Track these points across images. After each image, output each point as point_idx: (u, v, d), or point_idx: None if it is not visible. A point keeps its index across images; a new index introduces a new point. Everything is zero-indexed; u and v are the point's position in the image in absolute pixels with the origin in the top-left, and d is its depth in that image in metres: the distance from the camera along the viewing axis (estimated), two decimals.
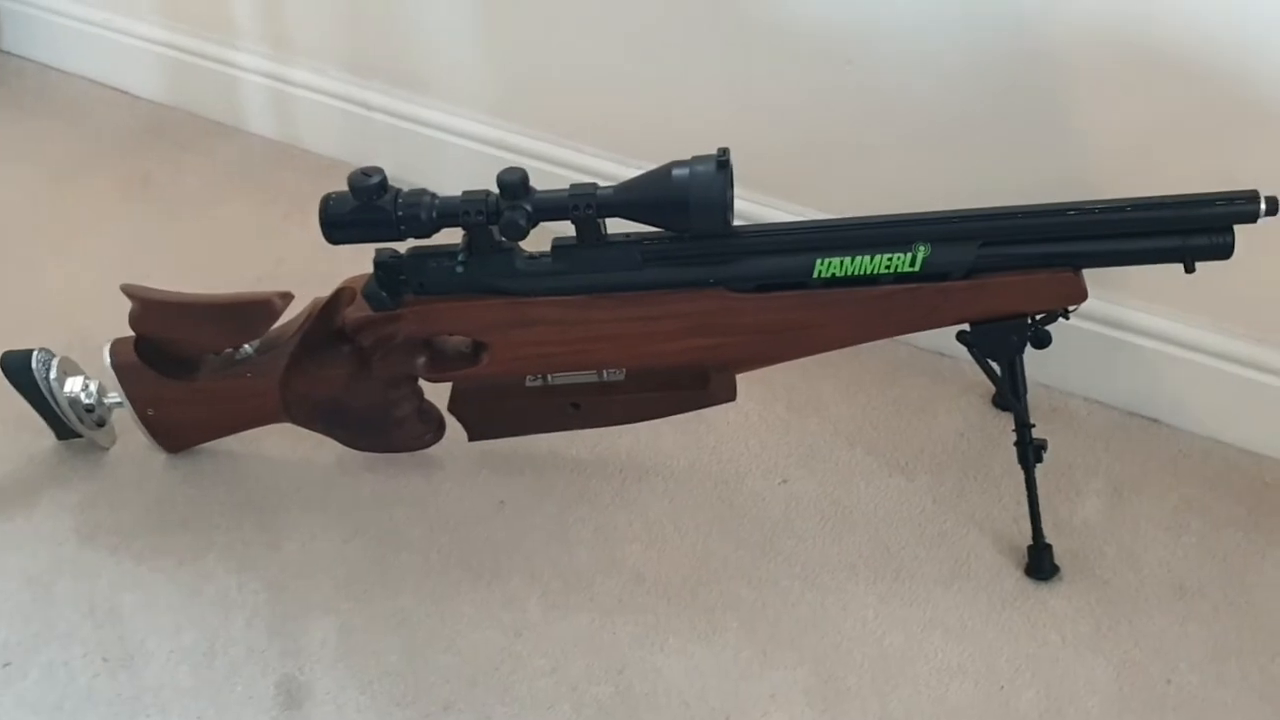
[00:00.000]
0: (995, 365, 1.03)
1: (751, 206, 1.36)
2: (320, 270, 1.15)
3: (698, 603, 1.07)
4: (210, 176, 1.72)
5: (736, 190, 0.98)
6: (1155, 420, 1.24)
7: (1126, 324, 1.23)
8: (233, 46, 1.74)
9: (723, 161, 0.94)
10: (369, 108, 1.63)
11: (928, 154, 1.25)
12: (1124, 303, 1.22)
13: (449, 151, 1.57)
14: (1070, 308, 1.01)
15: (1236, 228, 0.94)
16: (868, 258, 0.99)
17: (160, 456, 1.22)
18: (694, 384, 1.08)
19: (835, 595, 1.07)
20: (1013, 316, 1.00)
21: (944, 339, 1.28)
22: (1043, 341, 1.04)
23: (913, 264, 0.98)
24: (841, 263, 0.99)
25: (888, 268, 0.99)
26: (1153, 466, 1.18)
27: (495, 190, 0.99)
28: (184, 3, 1.77)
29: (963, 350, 1.01)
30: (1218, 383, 1.20)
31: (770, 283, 1.01)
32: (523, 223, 0.98)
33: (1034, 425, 1.04)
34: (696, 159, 0.96)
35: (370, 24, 1.59)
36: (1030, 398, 1.05)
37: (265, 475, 1.21)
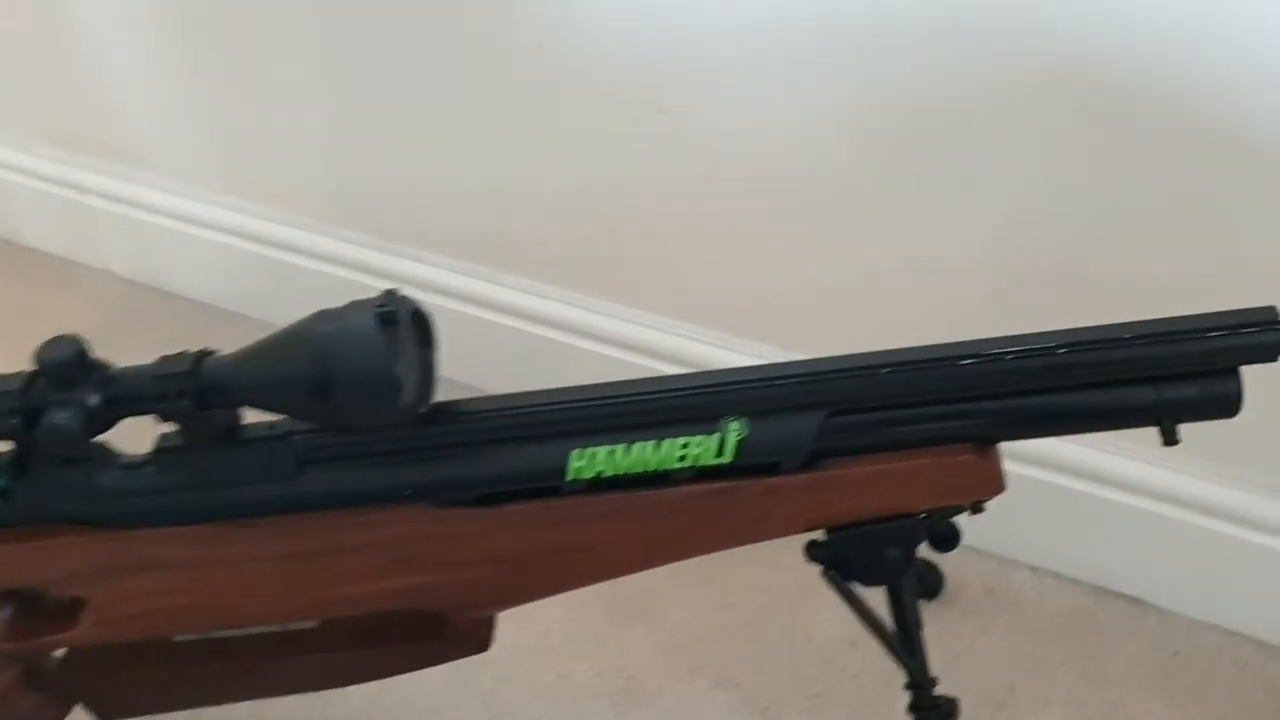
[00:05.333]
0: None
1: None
2: None
3: None
4: None
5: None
6: (1135, 600, 0.88)
7: (1093, 471, 0.86)
8: None
9: (387, 315, 0.58)
10: (83, 190, 1.25)
11: (797, 230, 0.90)
12: (1091, 441, 0.85)
13: (187, 245, 1.19)
14: (979, 501, 0.65)
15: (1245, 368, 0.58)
16: (650, 445, 0.62)
17: None
18: (420, 633, 0.70)
19: None
20: (888, 518, 0.65)
21: None
22: (948, 540, 0.69)
23: (720, 452, 0.62)
24: (611, 454, 0.62)
25: (683, 459, 0.63)
26: (1136, 671, 0.81)
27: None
28: None
29: None
30: (1222, 549, 0.83)
31: (501, 490, 0.65)
32: (76, 426, 0.61)
33: (937, 681, 0.69)
34: (353, 307, 0.60)
35: (65, 84, 1.20)
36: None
37: None
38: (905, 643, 0.67)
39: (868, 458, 0.62)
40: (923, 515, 0.64)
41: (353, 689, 0.81)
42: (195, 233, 1.16)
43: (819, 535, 0.65)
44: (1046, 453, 0.86)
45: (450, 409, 0.63)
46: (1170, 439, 0.59)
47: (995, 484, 0.62)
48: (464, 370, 1.11)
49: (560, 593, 0.69)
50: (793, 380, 0.61)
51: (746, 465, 0.61)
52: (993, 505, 0.86)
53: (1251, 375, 0.57)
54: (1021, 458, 0.86)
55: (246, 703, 0.80)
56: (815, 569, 0.69)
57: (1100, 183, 0.78)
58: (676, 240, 0.94)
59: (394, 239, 1.06)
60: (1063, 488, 0.86)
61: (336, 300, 1.08)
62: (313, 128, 1.04)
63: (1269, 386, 0.60)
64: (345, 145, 1.04)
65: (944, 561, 0.90)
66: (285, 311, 1.20)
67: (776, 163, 0.87)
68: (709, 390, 0.62)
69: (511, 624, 0.79)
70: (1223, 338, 0.57)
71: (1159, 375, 0.58)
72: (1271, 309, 0.56)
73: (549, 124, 0.93)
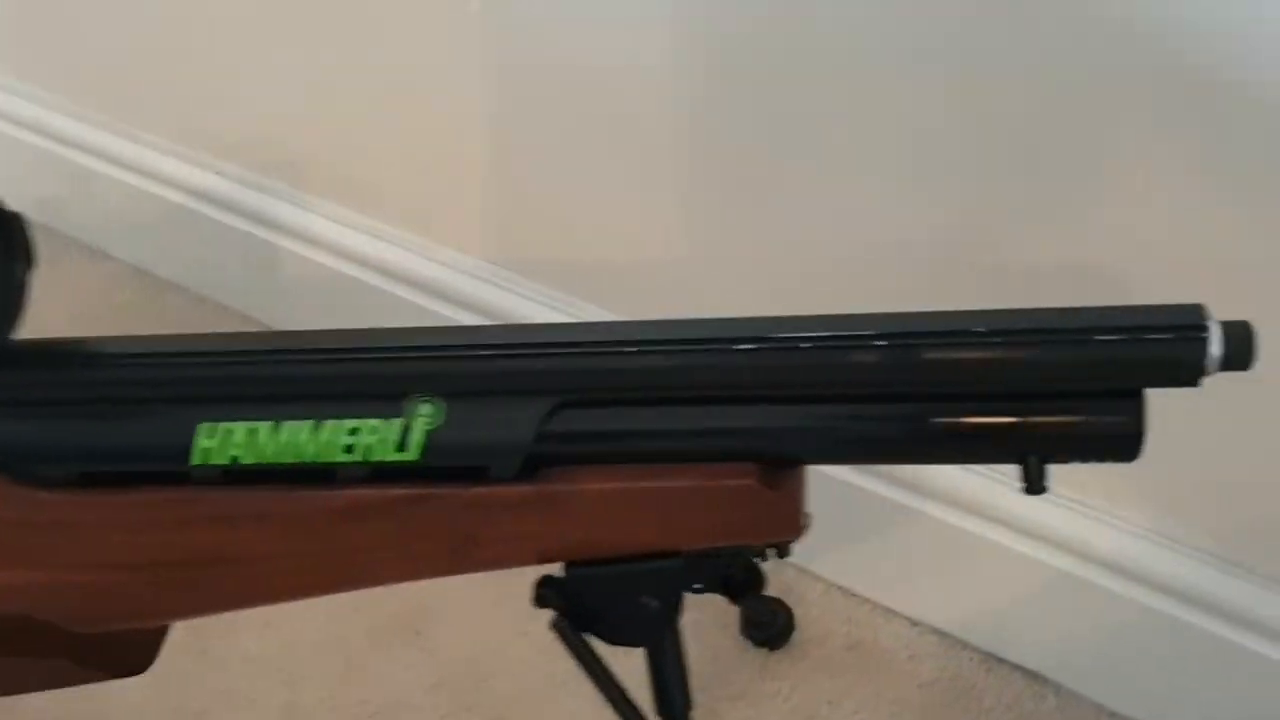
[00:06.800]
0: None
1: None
2: None
3: None
4: None
5: None
6: (1034, 675, 0.69)
7: (1002, 513, 0.67)
8: None
9: None
10: None
11: (645, 174, 0.71)
12: (999, 470, 0.67)
13: None
14: (768, 545, 0.48)
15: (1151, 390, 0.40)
16: (307, 426, 0.44)
17: None
18: (41, 647, 0.55)
19: None
20: (645, 555, 0.48)
21: None
22: (744, 587, 0.51)
23: (403, 445, 0.44)
24: (252, 434, 0.44)
25: (351, 450, 0.45)
26: None
27: None
28: None
29: None
30: (1158, 628, 0.64)
31: (110, 470, 0.48)
32: None
33: None
34: None
35: None
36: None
37: None
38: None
39: (612, 470, 0.44)
40: (696, 555, 0.48)
41: (34, 697, 0.66)
42: None
43: (556, 569, 0.49)
44: (938, 482, 0.68)
45: (48, 351, 0.46)
46: (1035, 484, 0.41)
47: (788, 522, 0.43)
48: (260, 306, 0.95)
49: (213, 613, 0.52)
50: (512, 352, 0.44)
51: (440, 467, 0.45)
52: (875, 539, 0.69)
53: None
54: (906, 485, 0.68)
55: None
56: None
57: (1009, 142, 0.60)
58: (499, 175, 0.76)
59: (197, 148, 0.89)
60: (959, 528, 0.68)
61: (132, 209, 0.90)
62: (115, 17, 0.87)
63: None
64: (146, 41, 0.87)
65: (800, 600, 0.72)
66: (84, 221, 1.02)
67: (620, 87, 0.70)
68: (394, 356, 0.45)
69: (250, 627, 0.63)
70: (1120, 344, 0.39)
71: (1024, 392, 0.41)
72: (1198, 308, 0.38)
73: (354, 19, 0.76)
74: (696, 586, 0.50)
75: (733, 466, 0.43)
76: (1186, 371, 0.38)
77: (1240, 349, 0.38)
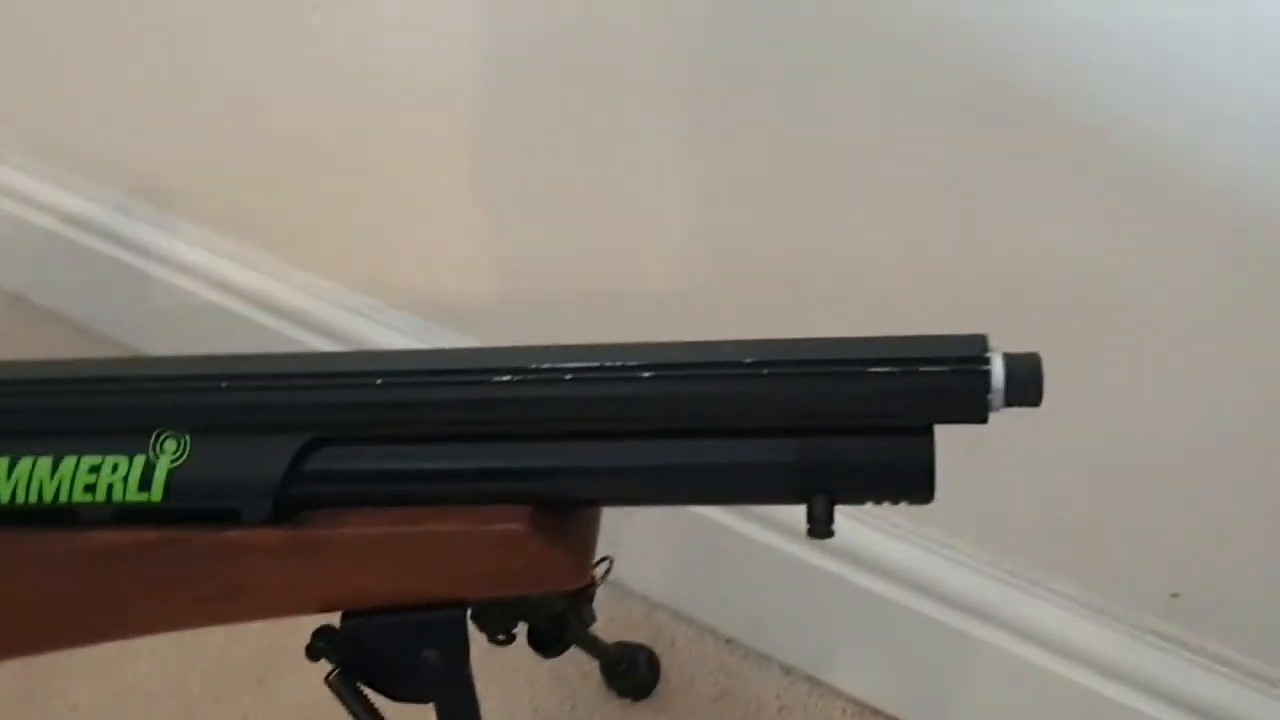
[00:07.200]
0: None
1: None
2: None
3: None
4: None
5: None
6: None
7: (888, 566, 0.63)
8: None
9: None
10: None
11: (487, 187, 0.67)
12: (870, 515, 0.63)
13: None
14: (554, 595, 0.44)
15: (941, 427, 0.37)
16: (45, 463, 0.40)
17: None
18: None
19: None
20: (424, 606, 0.44)
21: None
22: (551, 640, 0.48)
23: (147, 484, 0.40)
24: None
25: (93, 490, 0.41)
26: None
27: None
28: None
29: None
30: (1048, 688, 0.60)
31: None
32: None
33: None
34: None
35: None
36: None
37: None
38: None
39: (376, 514, 0.40)
40: (486, 604, 0.44)
41: None
42: None
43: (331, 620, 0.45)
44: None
45: None
46: (818, 526, 0.38)
47: (568, 570, 0.40)
48: (137, 334, 0.88)
49: None
50: (264, 384, 0.40)
51: (191, 509, 0.41)
52: (746, 582, 0.66)
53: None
54: (779, 527, 0.65)
55: None
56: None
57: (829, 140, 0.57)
58: (369, 202, 0.73)
59: (69, 172, 0.86)
60: (832, 573, 0.64)
61: (7, 236, 0.87)
62: None
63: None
64: (11, 63, 0.84)
65: (669, 646, 0.69)
66: None
67: (461, 96, 0.66)
68: (142, 389, 0.41)
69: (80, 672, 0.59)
70: (895, 377, 0.36)
71: (801, 427, 0.37)
72: (980, 339, 0.35)
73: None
74: (499, 638, 0.48)
75: (502, 509, 0.40)
76: (968, 406, 0.35)
77: (1027, 383, 0.35)
